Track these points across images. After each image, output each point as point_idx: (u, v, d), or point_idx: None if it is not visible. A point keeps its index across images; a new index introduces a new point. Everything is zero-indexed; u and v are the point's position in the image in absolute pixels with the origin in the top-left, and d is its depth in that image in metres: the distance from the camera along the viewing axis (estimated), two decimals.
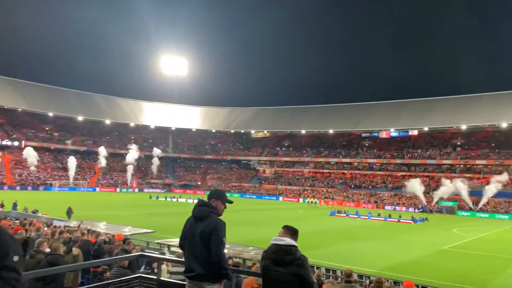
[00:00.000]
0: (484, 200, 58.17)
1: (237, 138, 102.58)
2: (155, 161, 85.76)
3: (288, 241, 3.71)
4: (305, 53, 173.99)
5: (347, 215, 47.68)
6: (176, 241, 19.42)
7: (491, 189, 57.17)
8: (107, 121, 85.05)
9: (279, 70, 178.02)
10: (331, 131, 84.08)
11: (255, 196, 78.98)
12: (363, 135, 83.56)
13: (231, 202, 4.25)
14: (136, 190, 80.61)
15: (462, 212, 59.29)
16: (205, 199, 4.24)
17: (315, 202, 65.31)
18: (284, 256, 3.64)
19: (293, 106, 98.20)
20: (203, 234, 3.88)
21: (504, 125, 64.58)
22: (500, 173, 62.67)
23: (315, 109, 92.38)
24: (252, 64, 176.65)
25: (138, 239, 19.19)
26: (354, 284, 6.26)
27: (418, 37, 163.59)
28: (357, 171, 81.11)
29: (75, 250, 8.13)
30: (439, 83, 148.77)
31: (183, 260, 4.20)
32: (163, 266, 6.32)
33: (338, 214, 48.43)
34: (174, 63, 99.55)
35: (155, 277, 4.66)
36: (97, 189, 75.38)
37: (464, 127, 68.65)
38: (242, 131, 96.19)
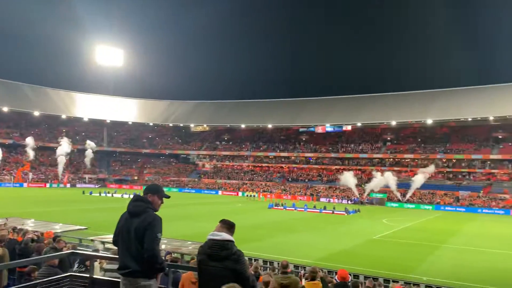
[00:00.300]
0: (410, 192, 62.10)
1: (176, 132, 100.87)
2: (89, 154, 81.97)
3: (224, 236, 3.72)
4: (246, 47, 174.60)
5: (284, 208, 48.75)
6: (111, 237, 18.83)
7: (417, 182, 61.14)
8: (36, 113, 79.74)
9: (219, 64, 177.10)
10: (270, 126, 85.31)
11: (194, 191, 78.31)
12: (301, 130, 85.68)
13: (168, 196, 4.19)
14: (68, 185, 76.71)
15: (391, 203, 62.84)
16: (142, 194, 4.15)
17: (254, 196, 66.10)
18: (219, 251, 3.65)
19: (233, 100, 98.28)
20: (138, 230, 3.78)
21: (429, 121, 69.21)
22: (425, 166, 67.30)
23: (255, 104, 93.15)
24: (191, 57, 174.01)
25: (70, 237, 18.29)
26: (290, 275, 6.42)
27: (357, 34, 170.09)
28: (294, 165, 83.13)
29: (0, 250, 7.59)
30: (372, 81, 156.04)
31: (117, 257, 4.08)
32: (96, 264, 6.09)
33: (276, 207, 49.39)
34: (109, 54, 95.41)
35: (88, 275, 4.48)
36: (25, 184, 70.75)
37: (393, 123, 72.64)
38: (181, 125, 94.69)
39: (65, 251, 5.10)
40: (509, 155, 63.72)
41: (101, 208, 40.76)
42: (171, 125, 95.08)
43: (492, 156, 65.34)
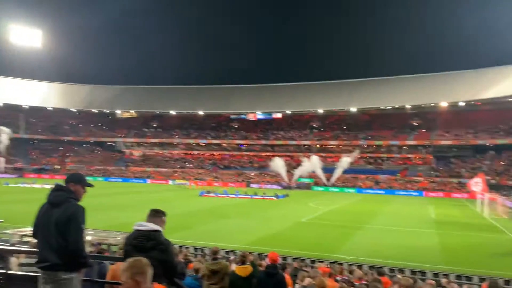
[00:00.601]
0: (335, 177, 65.17)
1: (101, 118, 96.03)
2: (3, 140, 75.47)
3: (150, 226, 3.66)
4: (177, 31, 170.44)
5: (215, 195, 48.90)
6: (30, 230, 17.69)
7: (341, 167, 64.28)
8: None
9: (147, 47, 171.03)
10: (201, 113, 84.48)
11: (121, 180, 75.68)
12: (232, 117, 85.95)
13: (91, 185, 4.04)
14: None
15: (317, 188, 65.56)
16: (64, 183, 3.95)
17: (185, 184, 65.43)
18: (145, 242, 3.59)
19: (162, 86, 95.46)
20: (59, 221, 3.61)
21: (353, 109, 72.81)
22: (349, 152, 70.91)
23: (185, 90, 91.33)
24: (117, 39, 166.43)
25: None
26: (220, 260, 6.50)
27: (285, 23, 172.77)
28: (226, 152, 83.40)
29: None
30: (302, 69, 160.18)
31: (36, 250, 3.88)
32: (14, 259, 5.72)
33: (207, 194, 49.37)
34: (26, 34, 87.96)
35: (3, 271, 4.20)
36: None
37: (320, 111, 75.45)
38: (106, 111, 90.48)
39: None
40: (423, 141, 69.17)
41: (19, 199, 38.00)
42: (95, 111, 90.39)
43: (408, 142, 70.47)
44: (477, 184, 39.15)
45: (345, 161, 64.58)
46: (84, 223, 3.71)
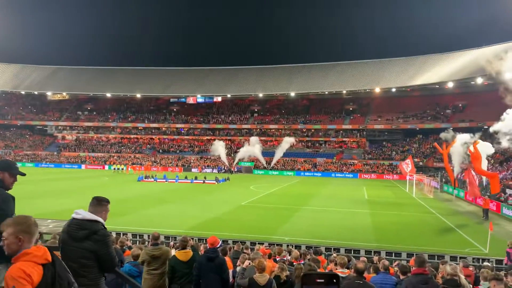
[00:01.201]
0: (275, 160, 66.40)
1: (30, 100, 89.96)
2: None
3: (85, 215, 3.52)
4: (112, 8, 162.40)
5: (155, 180, 47.97)
6: None
7: (282, 148, 65.47)
8: None
9: (80, 25, 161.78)
10: (138, 95, 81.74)
11: (53, 165, 71.87)
12: (171, 100, 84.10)
13: (22, 174, 3.81)
14: None
15: (258, 171, 66.50)
16: None
17: (122, 169, 63.47)
18: (77, 231, 3.46)
19: (96, 67, 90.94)
20: None
21: (292, 94, 74.09)
22: (288, 135, 72.43)
23: (121, 71, 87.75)
24: (48, 16, 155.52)
25: None
26: (161, 246, 6.45)
27: (227, 6, 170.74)
28: (165, 136, 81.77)
29: None
30: (243, 54, 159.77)
31: None
32: None
33: (146, 179, 48.31)
34: None
35: None
36: None
37: (260, 95, 75.98)
38: (36, 93, 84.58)
39: None
40: (357, 125, 72.20)
41: None
42: (23, 92, 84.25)
43: (344, 126, 73.22)
44: (407, 165, 41.71)
45: (286, 141, 65.84)
46: (14, 213, 3.50)
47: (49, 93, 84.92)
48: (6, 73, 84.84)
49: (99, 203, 3.69)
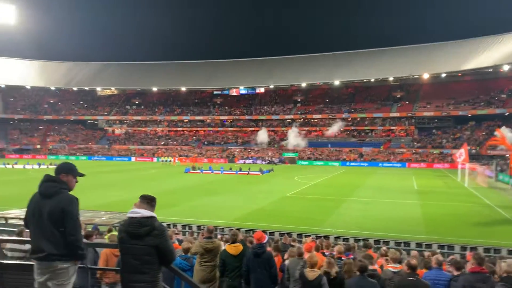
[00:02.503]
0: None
1: (81, 96, 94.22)
2: None
3: (144, 212, 3.66)
4: (158, 5, 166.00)
5: (201, 171, 48.91)
6: (15, 212, 17.45)
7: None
8: None
9: (128, 22, 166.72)
10: (183, 89, 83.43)
11: (104, 158, 75.01)
12: (215, 92, 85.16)
13: (82, 175, 3.98)
14: None
15: (302, 162, 66.12)
16: (50, 172, 3.86)
17: (169, 161, 65.20)
18: (139, 229, 3.60)
19: (143, 62, 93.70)
20: (52, 213, 3.56)
21: (336, 83, 72.80)
22: (332, 125, 71.50)
23: (167, 66, 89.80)
24: (96, 14, 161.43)
25: None
26: (215, 239, 6.57)
27: None
28: (209, 128, 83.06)
29: None
30: (284, 43, 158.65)
31: (28, 239, 3.84)
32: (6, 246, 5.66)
33: (193, 171, 49.36)
34: None
35: None
36: None
37: (304, 84, 75.22)
38: (87, 88, 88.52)
39: None
40: (405, 113, 69.89)
41: (1, 181, 37.43)
42: (75, 88, 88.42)
43: (391, 114, 71.12)
44: (460, 154, 39.88)
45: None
46: (78, 214, 3.68)
47: (99, 89, 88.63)
48: (58, 71, 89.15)
49: (146, 201, 3.82)
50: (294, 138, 65.26)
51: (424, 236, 16.90)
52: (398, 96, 74.82)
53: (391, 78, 69.81)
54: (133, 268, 3.56)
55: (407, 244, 14.50)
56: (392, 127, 71.44)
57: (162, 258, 3.64)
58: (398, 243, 14.53)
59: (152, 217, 3.67)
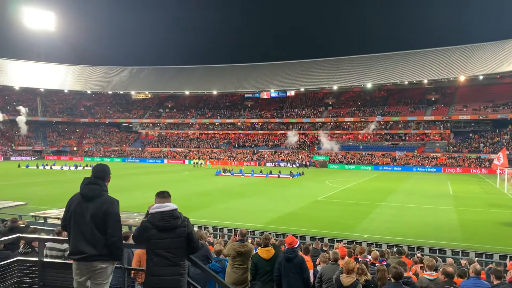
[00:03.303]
0: None
1: (116, 100, 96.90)
2: (22, 120, 76.63)
3: (172, 205, 3.85)
4: (190, 11, 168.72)
5: (231, 174, 49.20)
6: (53, 212, 18.12)
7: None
8: None
9: (160, 28, 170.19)
10: (215, 92, 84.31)
11: (138, 160, 76.71)
12: (246, 96, 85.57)
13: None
14: (1, 158, 72.22)
15: (333, 165, 65.38)
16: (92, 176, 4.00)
17: (201, 163, 65.98)
18: (172, 221, 3.72)
19: (175, 66, 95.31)
20: (95, 215, 3.68)
21: (368, 85, 71.68)
22: (365, 128, 70.41)
23: (198, 70, 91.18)
24: (129, 20, 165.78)
25: (8, 213, 17.43)
26: (247, 243, 6.60)
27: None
28: (240, 131, 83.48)
29: None
30: (314, 46, 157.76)
31: (65, 238, 3.99)
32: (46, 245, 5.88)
33: (223, 173, 49.73)
34: (39, 17, 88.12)
35: (36, 259, 4.32)
36: None
37: (335, 87, 74.46)
38: (121, 92, 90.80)
39: (10, 236, 4.83)
40: (440, 116, 67.95)
41: (40, 181, 38.93)
42: (110, 92, 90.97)
43: (425, 118, 69.30)
44: (499, 159, 38.42)
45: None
46: (119, 215, 3.81)
47: (133, 92, 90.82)
48: (94, 75, 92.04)
49: (166, 195, 3.98)
50: (327, 141, 64.88)
51: (461, 243, 16.38)
52: (433, 99, 72.86)
53: (425, 81, 68.09)
54: (166, 262, 3.64)
55: (443, 251, 14.09)
56: (426, 131, 69.60)
57: (190, 246, 3.78)
58: (433, 250, 14.14)
59: (177, 209, 3.88)
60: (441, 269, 6.36)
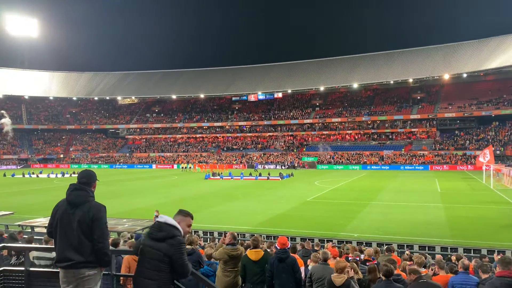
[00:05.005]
0: None
1: (102, 106, 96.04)
2: (7, 122, 75.14)
3: (168, 219, 3.66)
4: (174, 14, 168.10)
5: (221, 177, 49.09)
6: (40, 220, 17.85)
7: None
8: None
9: (145, 32, 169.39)
10: (202, 96, 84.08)
11: (126, 166, 76.09)
12: (233, 98, 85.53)
13: (97, 180, 4.08)
14: None
15: (322, 166, 65.67)
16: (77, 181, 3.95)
17: (190, 167, 65.70)
18: (157, 232, 3.59)
19: (161, 70, 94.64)
20: (82, 222, 3.64)
21: (355, 85, 72.23)
22: (352, 129, 70.79)
23: (185, 73, 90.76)
24: (114, 25, 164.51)
25: None
26: (239, 246, 6.58)
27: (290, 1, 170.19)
28: (228, 134, 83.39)
29: None
30: (300, 48, 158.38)
31: (53, 247, 3.93)
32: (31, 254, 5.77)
33: (213, 177, 49.59)
34: (22, 24, 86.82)
35: (23, 268, 4.25)
36: None
37: (322, 88, 74.87)
38: (107, 98, 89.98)
39: None
40: (426, 114, 68.76)
41: (27, 190, 38.36)
42: (96, 98, 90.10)
43: (412, 116, 70.06)
44: (485, 155, 38.97)
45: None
46: (106, 221, 3.76)
47: (119, 98, 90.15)
48: (80, 81, 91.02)
49: (180, 213, 3.85)
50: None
51: (450, 239, 16.56)
52: (419, 97, 73.71)
53: (410, 80, 68.88)
54: (144, 272, 3.56)
55: (432, 248, 14.22)
56: (413, 129, 70.34)
57: (174, 270, 3.57)
58: (422, 247, 14.27)
59: (175, 227, 3.64)
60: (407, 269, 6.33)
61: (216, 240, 15.72)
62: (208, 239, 16.21)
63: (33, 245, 7.08)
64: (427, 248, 14.13)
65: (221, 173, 51.97)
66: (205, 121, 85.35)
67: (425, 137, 68.78)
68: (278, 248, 6.38)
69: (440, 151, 62.89)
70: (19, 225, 17.09)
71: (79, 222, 3.64)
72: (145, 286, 3.49)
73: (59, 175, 56.59)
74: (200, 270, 6.20)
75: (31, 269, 4.30)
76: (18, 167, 72.66)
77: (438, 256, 11.26)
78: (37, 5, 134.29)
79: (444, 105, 68.98)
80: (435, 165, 59.26)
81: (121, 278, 5.26)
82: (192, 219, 3.92)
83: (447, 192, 32.61)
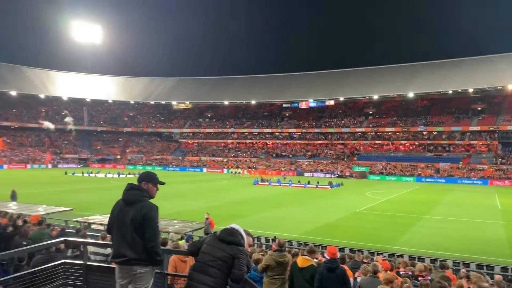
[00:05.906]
0: None
1: (158, 110, 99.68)
2: (70, 121, 79.78)
3: (236, 226, 3.91)
4: (229, 22, 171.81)
5: (269, 183, 49.15)
6: (97, 218, 18.75)
7: None
8: (13, 92, 77.40)
9: (201, 39, 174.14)
10: (253, 102, 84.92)
11: (178, 169, 78.13)
12: (284, 105, 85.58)
13: (163, 183, 4.19)
14: (49, 166, 75.66)
15: (373, 176, 63.90)
16: (134, 181, 4.12)
17: (238, 172, 66.35)
18: (226, 235, 3.78)
19: (215, 77, 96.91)
20: (134, 220, 3.79)
21: (410, 94, 69.86)
22: (406, 139, 68.35)
23: (238, 80, 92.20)
24: (172, 33, 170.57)
25: (55, 218, 18.22)
26: (286, 253, 6.54)
27: (336, 8, 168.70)
28: (278, 141, 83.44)
29: None
30: (354, 55, 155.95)
31: (110, 243, 4.10)
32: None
33: (261, 183, 49.76)
34: (87, 30, 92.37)
35: (81, 262, 4.48)
36: (5, 166, 69.52)
37: (375, 97, 73.08)
38: (163, 102, 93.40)
39: (57, 239, 5.04)
40: (487, 126, 65.13)
41: (85, 188, 40.47)
42: (152, 102, 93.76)
43: (471, 128, 66.61)
44: None
45: None
46: (158, 221, 3.88)
47: (174, 102, 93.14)
48: (137, 86, 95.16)
49: (246, 233, 4.03)
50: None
51: (510, 259, 15.52)
52: (479, 108, 69.98)
53: (470, 90, 65.58)
54: (204, 268, 3.65)
55: (491, 267, 13.40)
56: (472, 142, 66.82)
57: (232, 272, 3.64)
58: (479, 266, 13.47)
59: (243, 238, 3.88)
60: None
61: (264, 246, 15.75)
62: (256, 244, 16.26)
63: (91, 240, 7.44)
64: (485, 267, 13.33)
65: (270, 180, 52.02)
66: (255, 127, 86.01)
67: (485, 150, 65.09)
68: (328, 257, 6.28)
69: (502, 166, 59.22)
70: (77, 221, 18.04)
71: (131, 220, 3.78)
72: (200, 281, 3.59)
73: (115, 175, 59.20)
74: (247, 275, 6.22)
75: (88, 263, 4.53)
76: (78, 166, 76.73)
77: (497, 277, 10.59)
78: (101, 13, 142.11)
79: (507, 117, 64.99)
80: (495, 180, 55.84)
81: (169, 277, 5.39)
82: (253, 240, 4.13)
83: (508, 209, 30.62)
